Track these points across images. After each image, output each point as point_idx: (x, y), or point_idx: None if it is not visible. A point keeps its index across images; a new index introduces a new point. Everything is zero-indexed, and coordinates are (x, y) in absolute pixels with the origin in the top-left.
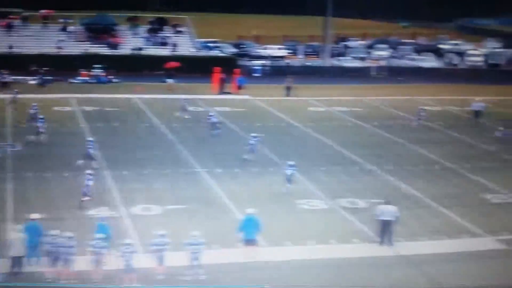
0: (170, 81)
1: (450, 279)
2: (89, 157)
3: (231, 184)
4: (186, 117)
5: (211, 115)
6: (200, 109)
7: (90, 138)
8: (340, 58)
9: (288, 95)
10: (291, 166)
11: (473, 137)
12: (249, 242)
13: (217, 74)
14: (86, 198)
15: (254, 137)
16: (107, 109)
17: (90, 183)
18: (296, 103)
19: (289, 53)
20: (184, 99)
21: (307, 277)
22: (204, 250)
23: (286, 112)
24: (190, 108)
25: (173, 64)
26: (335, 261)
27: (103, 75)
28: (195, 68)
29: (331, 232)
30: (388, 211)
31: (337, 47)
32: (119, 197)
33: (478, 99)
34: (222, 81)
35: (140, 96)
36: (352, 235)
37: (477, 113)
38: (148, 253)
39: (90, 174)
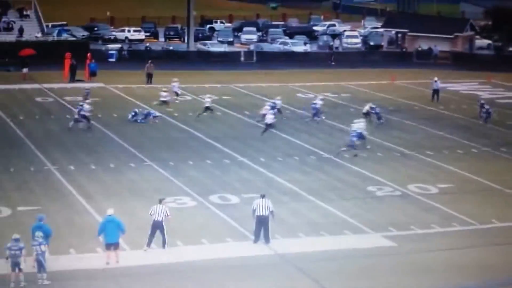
0: (25, 70)
1: (334, 278)
2: None
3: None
4: None
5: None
6: (50, 99)
7: None
8: (206, 42)
9: (149, 82)
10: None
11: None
12: (111, 246)
13: (68, 60)
14: None
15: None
16: None
17: None
18: (159, 91)
19: (148, 36)
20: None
21: (176, 283)
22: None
23: (147, 102)
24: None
25: (28, 51)
26: (208, 263)
27: None
28: (45, 55)
29: (202, 232)
30: (263, 206)
31: (202, 29)
32: None
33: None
34: (73, 68)
35: None
36: (225, 234)
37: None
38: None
39: None
